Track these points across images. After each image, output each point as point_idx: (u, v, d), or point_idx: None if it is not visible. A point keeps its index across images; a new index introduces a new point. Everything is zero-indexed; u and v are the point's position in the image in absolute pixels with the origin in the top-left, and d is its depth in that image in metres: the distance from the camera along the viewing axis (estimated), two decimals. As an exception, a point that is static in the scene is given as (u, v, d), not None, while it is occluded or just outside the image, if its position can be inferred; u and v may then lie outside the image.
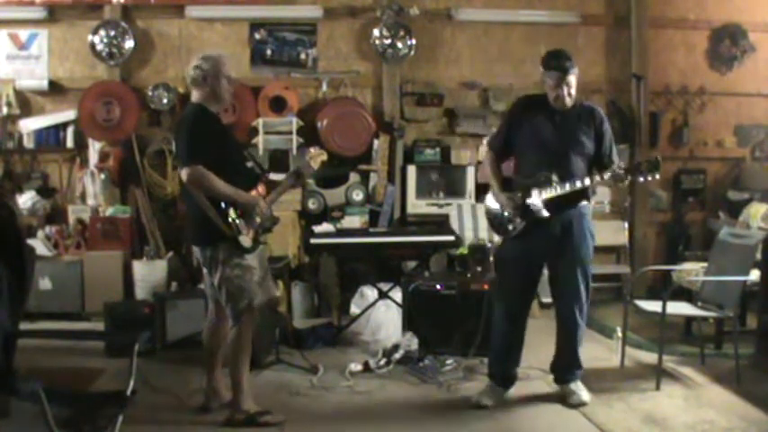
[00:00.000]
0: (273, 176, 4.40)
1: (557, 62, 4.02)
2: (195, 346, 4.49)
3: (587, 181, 3.96)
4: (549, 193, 3.99)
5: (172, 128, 6.42)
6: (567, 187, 3.96)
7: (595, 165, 4.10)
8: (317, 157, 4.14)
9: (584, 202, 4.13)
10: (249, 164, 4.07)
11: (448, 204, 6.70)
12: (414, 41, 6.81)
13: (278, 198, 3.99)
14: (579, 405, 4.10)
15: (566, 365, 4.25)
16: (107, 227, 6.33)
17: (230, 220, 3.70)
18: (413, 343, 4.90)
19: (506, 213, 4.16)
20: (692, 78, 7.22)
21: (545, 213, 4.01)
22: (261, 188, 3.90)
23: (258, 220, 3.81)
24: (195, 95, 3.83)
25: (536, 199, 4.02)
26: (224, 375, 3.99)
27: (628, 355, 4.89)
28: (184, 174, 3.66)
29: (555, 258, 4.15)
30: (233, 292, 3.77)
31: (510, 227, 4.17)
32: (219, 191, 3.67)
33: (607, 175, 3.92)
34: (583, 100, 4.25)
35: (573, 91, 4.03)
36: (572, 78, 4.00)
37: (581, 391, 4.18)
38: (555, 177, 3.99)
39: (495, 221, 4.28)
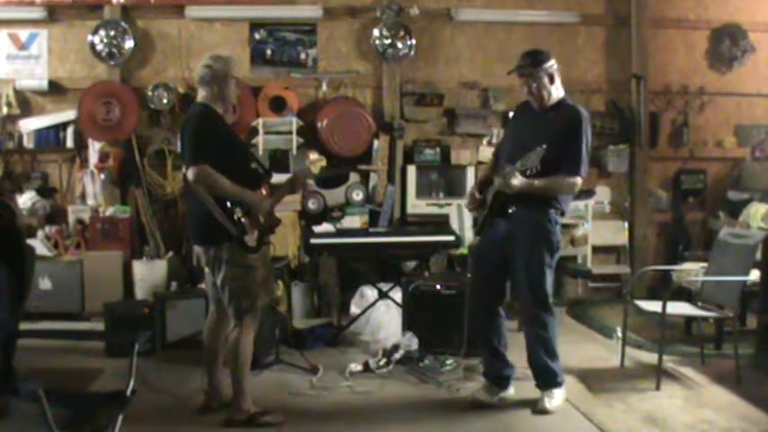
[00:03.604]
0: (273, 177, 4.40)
1: (517, 64, 4.05)
2: (195, 346, 4.50)
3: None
4: (490, 192, 4.08)
5: (173, 128, 6.45)
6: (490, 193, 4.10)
7: (555, 168, 3.87)
8: (316, 162, 4.14)
9: (550, 208, 3.96)
10: (253, 164, 4.06)
11: (448, 204, 6.70)
12: (414, 41, 6.80)
13: (278, 202, 3.98)
14: (540, 412, 3.98)
15: (536, 375, 4.10)
16: (107, 227, 6.33)
17: (236, 219, 3.69)
18: (413, 343, 4.91)
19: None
20: (692, 78, 7.21)
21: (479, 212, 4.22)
22: (264, 189, 3.89)
23: (263, 220, 3.81)
24: (201, 95, 3.82)
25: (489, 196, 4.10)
26: (225, 375, 3.98)
27: (628, 355, 4.89)
28: (191, 173, 3.64)
29: (507, 262, 4.06)
30: (236, 292, 3.77)
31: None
32: (226, 190, 3.66)
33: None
34: (569, 101, 4.07)
35: (543, 90, 3.96)
36: (531, 78, 3.96)
37: (549, 398, 4.03)
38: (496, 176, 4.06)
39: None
